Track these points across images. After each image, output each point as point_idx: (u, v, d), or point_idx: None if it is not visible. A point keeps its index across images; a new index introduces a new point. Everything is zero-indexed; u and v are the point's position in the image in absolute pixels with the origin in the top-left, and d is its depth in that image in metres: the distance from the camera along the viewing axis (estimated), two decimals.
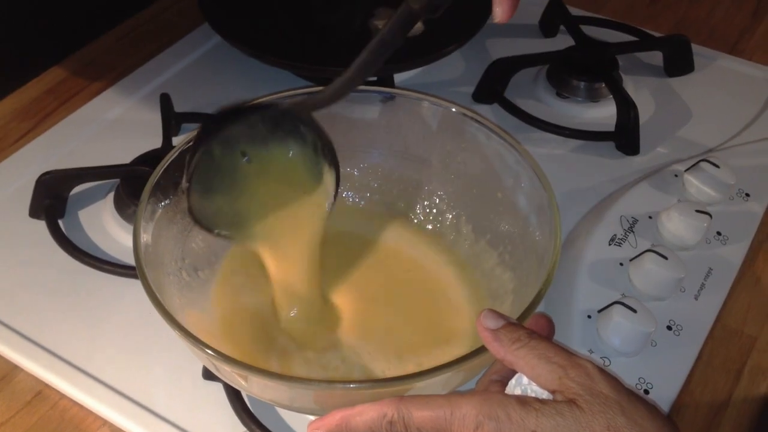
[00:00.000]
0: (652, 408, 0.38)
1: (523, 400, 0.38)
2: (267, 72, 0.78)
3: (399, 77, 0.78)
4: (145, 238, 0.49)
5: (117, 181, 0.66)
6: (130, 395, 0.53)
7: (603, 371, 0.39)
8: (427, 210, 0.60)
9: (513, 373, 0.42)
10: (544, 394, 0.39)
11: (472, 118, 0.54)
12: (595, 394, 0.38)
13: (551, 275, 0.45)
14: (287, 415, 0.53)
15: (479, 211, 0.57)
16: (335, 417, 0.41)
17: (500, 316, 0.42)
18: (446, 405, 0.39)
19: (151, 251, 0.49)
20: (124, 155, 0.67)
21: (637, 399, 0.38)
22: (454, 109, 0.55)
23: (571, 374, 0.38)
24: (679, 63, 0.81)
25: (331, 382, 0.41)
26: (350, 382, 0.40)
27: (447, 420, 0.39)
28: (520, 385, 0.41)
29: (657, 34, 0.84)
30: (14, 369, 0.56)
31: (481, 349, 0.41)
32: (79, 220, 0.65)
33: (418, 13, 0.43)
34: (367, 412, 0.40)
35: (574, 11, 0.86)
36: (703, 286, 0.60)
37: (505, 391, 0.41)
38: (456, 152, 0.57)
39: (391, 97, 0.56)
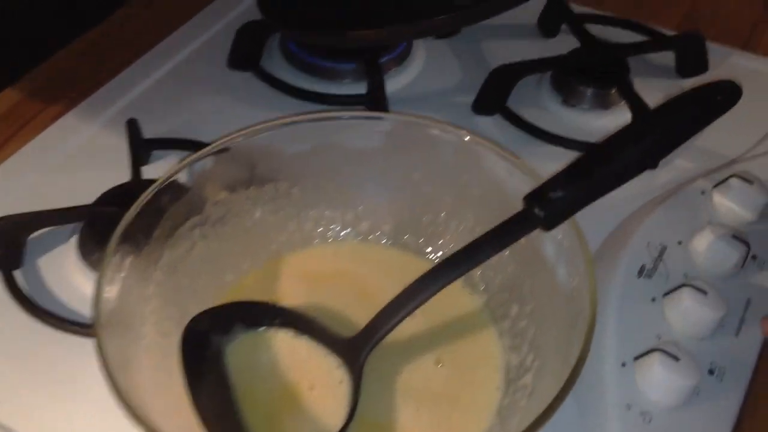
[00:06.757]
0: None
1: None
2: (247, 88, 0.71)
3: (390, 87, 0.71)
4: (109, 293, 0.43)
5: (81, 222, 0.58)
6: None
7: None
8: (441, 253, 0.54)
9: None
10: None
11: (490, 150, 0.47)
12: None
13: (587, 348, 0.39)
14: None
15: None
16: None
17: None
18: None
19: (117, 315, 0.43)
20: (90, 190, 0.60)
21: None
22: (467, 138, 0.48)
23: None
24: (692, 62, 0.75)
25: None
26: None
27: None
28: None
29: (666, 32, 0.78)
30: None
31: None
32: (39, 269, 0.57)
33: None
34: None
35: (576, 8, 0.79)
36: (743, 320, 0.54)
37: None
38: (472, 186, 0.50)
39: (394, 123, 0.50)
